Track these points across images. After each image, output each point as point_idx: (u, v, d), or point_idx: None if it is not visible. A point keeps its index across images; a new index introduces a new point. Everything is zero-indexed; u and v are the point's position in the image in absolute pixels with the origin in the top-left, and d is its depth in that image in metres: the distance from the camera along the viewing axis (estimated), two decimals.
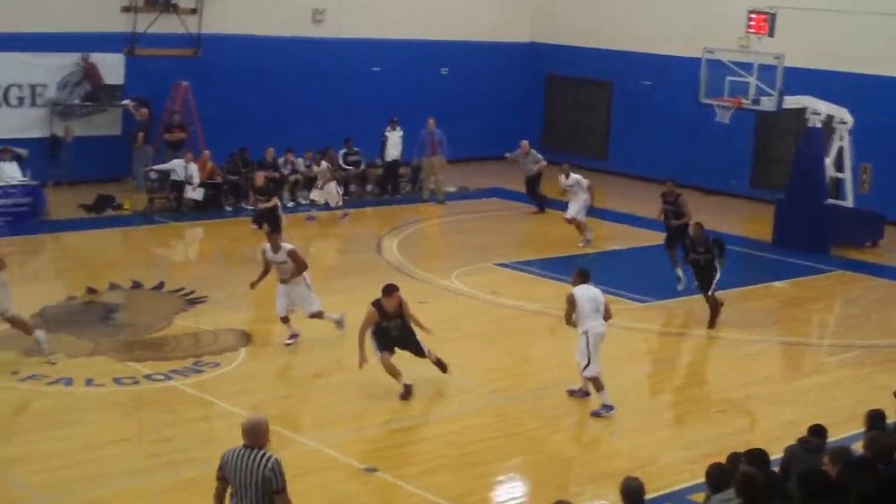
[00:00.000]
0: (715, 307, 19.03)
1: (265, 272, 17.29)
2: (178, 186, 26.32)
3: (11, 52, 26.86)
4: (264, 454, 8.75)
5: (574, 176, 24.90)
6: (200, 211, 26.25)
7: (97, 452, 13.02)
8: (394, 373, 14.99)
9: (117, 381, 15.32)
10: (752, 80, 25.37)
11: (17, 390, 14.88)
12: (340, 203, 26.97)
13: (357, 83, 32.28)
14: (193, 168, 26.22)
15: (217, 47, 29.56)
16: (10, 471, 12.44)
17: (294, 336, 17.15)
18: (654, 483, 11.21)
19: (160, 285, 20.04)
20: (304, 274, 17.04)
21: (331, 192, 26.83)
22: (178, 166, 26.46)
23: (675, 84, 31.35)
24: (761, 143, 31.16)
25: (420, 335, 15.32)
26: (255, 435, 8.83)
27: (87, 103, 28.18)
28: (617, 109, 34.64)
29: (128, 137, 28.49)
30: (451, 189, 30.22)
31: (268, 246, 17.06)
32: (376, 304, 14.91)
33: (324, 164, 27.24)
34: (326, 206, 26.75)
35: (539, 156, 28.29)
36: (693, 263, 19.28)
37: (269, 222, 21.98)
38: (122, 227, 25.14)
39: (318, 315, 17.22)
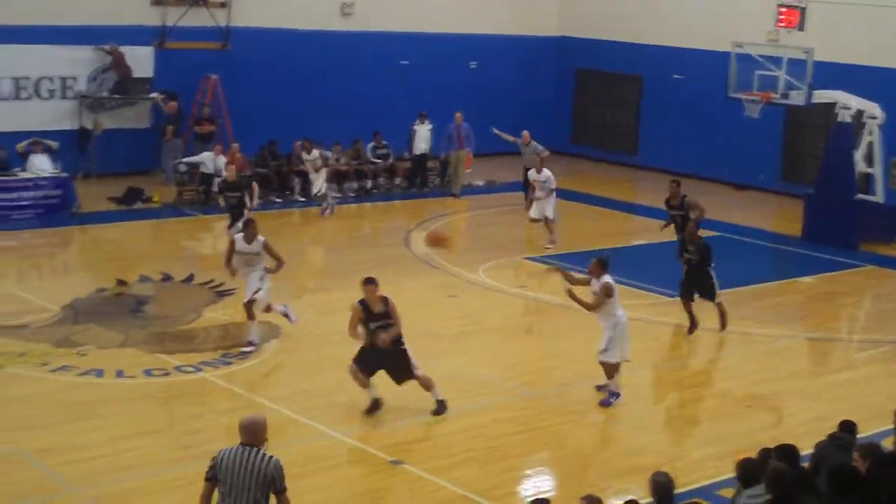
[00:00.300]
0: (722, 310, 18.37)
1: (230, 256, 16.89)
2: (207, 179, 26.43)
3: (42, 45, 27.04)
4: (264, 454, 8.75)
5: (546, 172, 24.18)
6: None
7: (127, 444, 13.10)
8: (363, 384, 14.28)
9: (147, 372, 15.43)
10: (782, 75, 25.32)
11: (49, 381, 14.99)
12: (325, 194, 26.38)
13: (385, 76, 32.31)
14: (222, 161, 26.31)
15: (246, 40, 29.66)
16: (41, 461, 12.52)
17: (252, 343, 16.62)
18: (682, 479, 11.18)
19: (190, 277, 20.14)
20: (267, 264, 16.64)
21: (317, 183, 26.48)
22: (207, 159, 26.59)
23: (704, 78, 31.25)
24: (790, 137, 31.02)
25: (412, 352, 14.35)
26: (254, 433, 8.80)
27: (117, 96, 28.31)
28: (646, 104, 34.55)
29: (157, 130, 28.63)
30: (479, 183, 30.25)
31: (240, 236, 16.67)
32: (362, 302, 14.13)
33: (315, 152, 26.67)
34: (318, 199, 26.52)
35: (540, 146, 27.85)
36: (686, 263, 18.47)
37: (235, 216, 21.04)
38: (151, 219, 25.26)
39: (251, 302, 16.57)
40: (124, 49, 28.04)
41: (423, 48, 32.96)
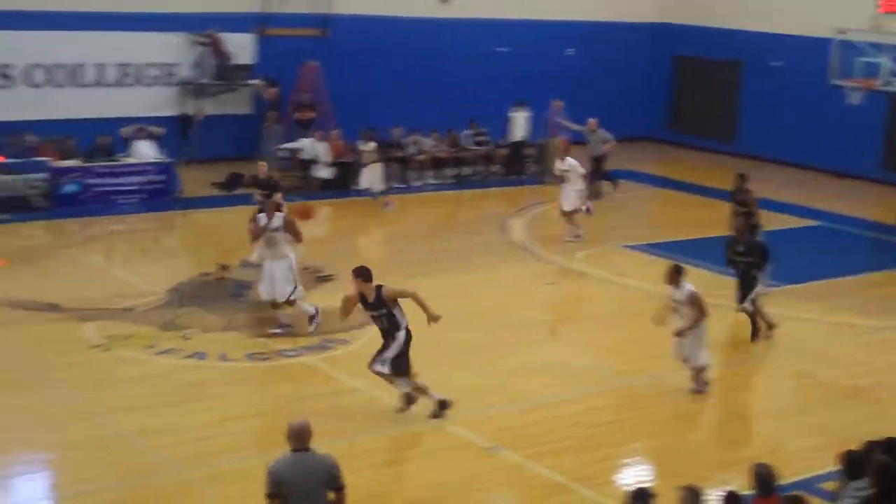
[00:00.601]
0: (754, 321, 17.14)
1: (256, 240, 17.06)
2: (307, 165, 26.73)
3: (146, 32, 27.55)
4: (319, 454, 8.86)
5: (570, 160, 23.14)
6: (329, 189, 26.64)
7: (229, 426, 13.35)
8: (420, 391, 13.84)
9: (249, 356, 15.70)
10: (885, 61, 24.88)
11: (154, 364, 15.31)
12: (384, 189, 25.98)
13: (482, 63, 32.38)
14: (322, 147, 26.59)
15: (346, 27, 29.92)
16: (146, 441, 12.80)
17: (285, 326, 16.71)
18: (783, 470, 11.11)
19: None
20: (292, 255, 16.59)
21: (375, 176, 25.98)
22: (307, 145, 26.90)
23: (805, 65, 30.86)
24: (893, 125, 30.49)
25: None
26: (304, 437, 8.86)
27: (218, 82, 28.73)
28: (746, 91, 34.17)
29: (258, 116, 29.01)
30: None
31: (262, 214, 16.74)
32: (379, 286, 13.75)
33: (371, 144, 26.36)
34: (368, 192, 26.12)
35: (608, 134, 27.46)
36: (732, 266, 17.24)
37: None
38: (251, 205, 25.48)
39: (290, 303, 16.68)
40: (225, 36, 28.45)
41: (520, 35, 32.96)
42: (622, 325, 18.21)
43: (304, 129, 28.30)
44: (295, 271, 16.62)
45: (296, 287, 16.57)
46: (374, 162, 25.97)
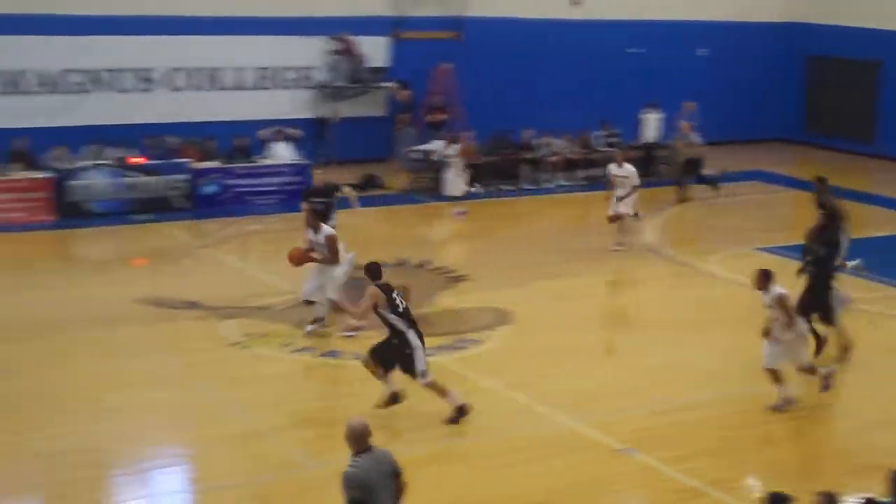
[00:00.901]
0: (817, 338, 15.93)
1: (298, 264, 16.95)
2: (438, 167, 26.94)
3: (283, 36, 28.08)
4: (378, 448, 8.90)
5: (628, 167, 22.27)
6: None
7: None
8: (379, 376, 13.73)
9: None
10: None
11: (290, 361, 15.61)
12: (463, 193, 25.84)
13: (614, 65, 32.26)
14: (453, 149, 26.77)
15: (479, 30, 30.08)
16: (283, 437, 13.09)
17: (318, 321, 16.71)
18: None
19: (424, 263, 20.60)
20: (344, 265, 16.62)
21: (455, 181, 25.83)
22: (439, 147, 27.11)
23: None
24: None
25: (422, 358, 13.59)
26: (367, 436, 8.86)
27: (353, 85, 29.13)
28: (885, 90, 33.42)
29: (391, 119, 29.35)
30: (711, 172, 29.84)
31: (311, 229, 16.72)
32: (380, 285, 13.56)
33: (455, 146, 26.12)
34: (449, 197, 25.96)
35: (699, 138, 27.12)
36: (803, 272, 16.22)
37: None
38: (385, 206, 25.90)
39: (310, 303, 16.67)
40: (359, 39, 28.84)
41: (651, 36, 32.75)
42: (755, 329, 17.96)
43: (436, 131, 28.53)
44: (328, 274, 16.52)
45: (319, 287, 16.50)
46: (456, 165, 25.93)
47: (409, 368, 13.45)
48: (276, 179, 25.37)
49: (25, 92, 26.58)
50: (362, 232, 23.89)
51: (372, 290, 13.44)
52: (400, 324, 13.40)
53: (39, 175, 24.09)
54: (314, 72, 28.95)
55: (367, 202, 25.42)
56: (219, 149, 25.92)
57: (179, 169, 24.84)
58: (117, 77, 27.31)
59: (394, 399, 13.61)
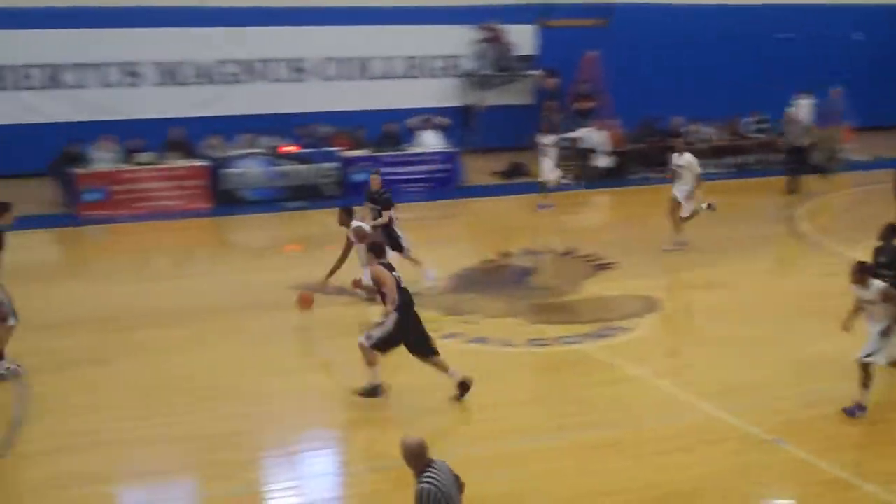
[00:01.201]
0: None
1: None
2: (586, 154, 26.93)
3: (431, 25, 28.36)
4: (437, 461, 8.72)
5: (688, 156, 21.10)
6: (608, 178, 26.76)
7: (511, 410, 13.59)
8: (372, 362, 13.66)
9: (530, 342, 15.96)
10: None
11: (440, 347, 15.72)
12: (558, 184, 25.26)
13: (764, 51, 31.80)
14: (601, 136, 26.73)
15: (627, 16, 29.95)
16: (433, 421, 13.13)
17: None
18: None
19: (570, 251, 20.64)
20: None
21: (550, 171, 25.13)
22: (586, 135, 27.09)
23: None
24: None
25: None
26: (425, 451, 8.66)
27: (500, 73, 29.26)
28: None
29: (538, 107, 29.38)
30: (864, 158, 29.28)
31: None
32: (384, 265, 13.71)
33: (551, 137, 25.45)
34: (546, 187, 25.32)
35: (809, 123, 26.44)
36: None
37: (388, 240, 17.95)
38: (531, 193, 25.97)
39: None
40: (507, 27, 28.95)
41: (803, 20, 32.19)
42: None
43: (583, 118, 28.50)
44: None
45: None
46: (552, 154, 25.35)
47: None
48: (423, 167, 25.71)
49: (182, 83, 27.38)
50: (509, 219, 24.12)
51: (380, 270, 13.61)
52: (395, 299, 13.44)
53: (196, 163, 24.80)
54: (462, 60, 29.15)
55: (512, 190, 25.65)
56: (368, 137, 26.32)
57: (330, 157, 25.33)
58: (270, 67, 27.94)
59: (463, 386, 13.73)
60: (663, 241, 21.27)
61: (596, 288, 18.59)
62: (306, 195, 24.76)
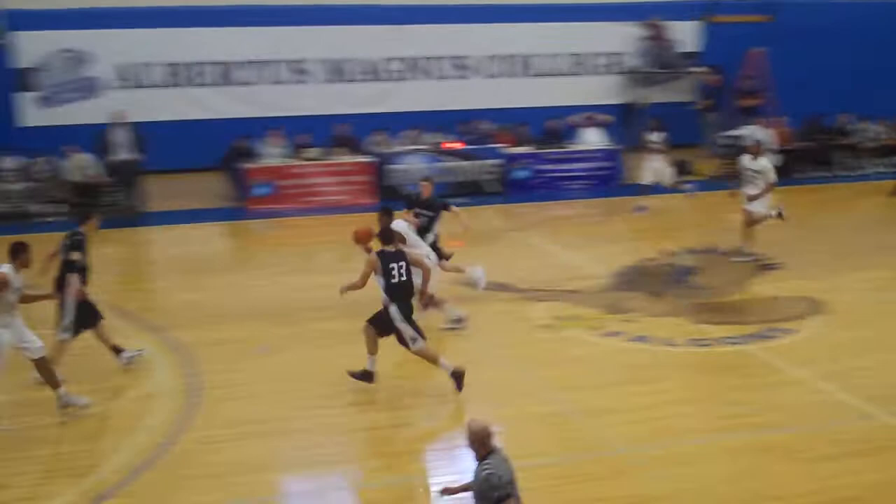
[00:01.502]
0: None
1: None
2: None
3: (594, 22, 28.43)
4: (499, 448, 8.78)
5: (763, 161, 20.05)
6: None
7: (673, 409, 13.54)
8: (371, 349, 13.96)
9: (691, 342, 15.87)
10: None
11: (599, 345, 15.83)
12: (672, 184, 24.73)
13: None
14: (767, 134, 26.37)
15: (793, 12, 29.43)
16: (590, 420, 13.23)
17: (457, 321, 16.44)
18: None
19: (735, 251, 20.43)
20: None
21: (662, 169, 24.76)
22: (750, 132, 26.73)
23: None
24: None
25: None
26: (490, 437, 8.75)
27: (663, 70, 29.09)
28: None
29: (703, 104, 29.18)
30: None
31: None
32: (380, 253, 13.89)
33: (658, 134, 24.96)
34: (657, 189, 24.88)
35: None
36: None
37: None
38: (694, 192, 25.77)
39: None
40: (671, 24, 28.77)
41: None
42: None
43: (748, 116, 28.14)
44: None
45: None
46: (659, 154, 24.88)
47: (401, 339, 13.76)
48: (586, 165, 25.73)
49: (349, 80, 27.90)
50: (671, 218, 23.97)
51: (371, 257, 13.83)
52: (387, 294, 13.67)
53: (361, 159, 25.27)
54: (625, 57, 29.07)
55: (675, 189, 25.46)
56: (530, 134, 26.47)
57: (493, 154, 25.53)
58: (434, 64, 28.28)
59: (365, 376, 13.89)
60: (731, 251, 20.54)
61: (760, 288, 18.40)
62: (468, 191, 25.02)
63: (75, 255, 14.02)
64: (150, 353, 15.30)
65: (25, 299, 12.94)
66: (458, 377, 13.84)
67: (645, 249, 20.68)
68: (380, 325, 13.94)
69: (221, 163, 25.58)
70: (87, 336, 14.59)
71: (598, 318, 16.83)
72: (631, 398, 13.89)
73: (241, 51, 27.71)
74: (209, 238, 23.16)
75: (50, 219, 23.78)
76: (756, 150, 20.24)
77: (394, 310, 13.77)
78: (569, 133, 26.64)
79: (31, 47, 26.49)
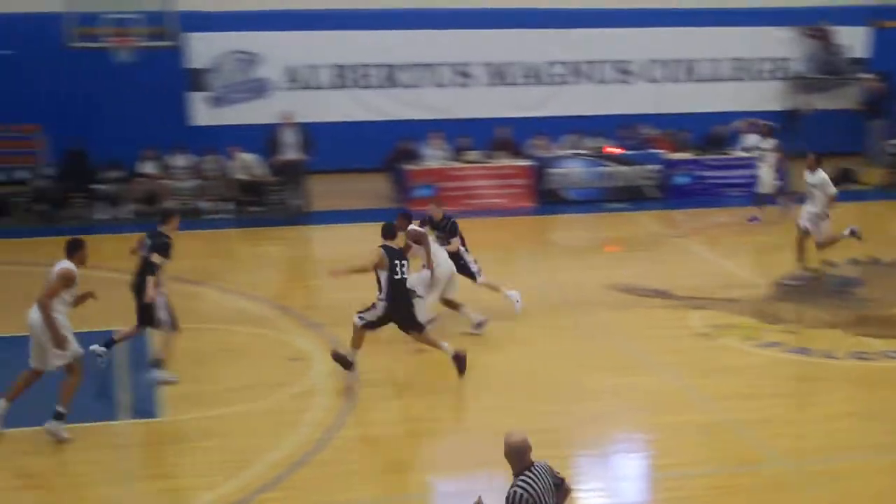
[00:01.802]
0: None
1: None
2: None
3: (758, 27, 28.31)
4: (539, 462, 8.44)
5: (822, 174, 19.14)
6: None
7: (830, 424, 13.32)
8: (357, 345, 14.38)
9: (852, 355, 15.58)
10: None
11: (757, 355, 15.65)
12: (778, 193, 23.69)
13: None
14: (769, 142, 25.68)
15: None
16: (747, 431, 13.07)
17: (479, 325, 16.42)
18: None
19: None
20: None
21: (764, 179, 23.63)
22: None
23: None
24: None
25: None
26: (528, 451, 8.36)
27: (829, 76, 28.60)
28: None
29: (868, 112, 28.56)
30: None
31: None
32: (385, 247, 14.23)
33: (771, 141, 23.85)
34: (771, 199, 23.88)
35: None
36: None
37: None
38: (859, 201, 25.30)
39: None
40: (838, 29, 28.26)
41: None
42: None
43: None
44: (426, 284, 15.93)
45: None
46: (770, 160, 23.88)
47: (408, 324, 14.37)
48: (747, 171, 25.41)
49: (511, 83, 28.12)
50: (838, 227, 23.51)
51: (377, 250, 14.07)
52: (387, 289, 14.02)
53: (521, 163, 25.46)
54: (790, 63, 28.66)
55: (841, 197, 24.94)
56: (691, 139, 26.31)
57: (653, 159, 25.47)
58: (596, 69, 28.33)
59: (458, 359, 14.34)
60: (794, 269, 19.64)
61: None
62: (627, 196, 25.02)
63: (157, 259, 13.96)
64: (311, 350, 15.72)
65: (77, 301, 12.69)
66: (459, 361, 14.35)
67: (806, 259, 20.34)
68: (405, 322, 14.38)
69: (384, 164, 26.04)
70: (249, 332, 15.01)
71: (756, 327, 16.69)
72: (789, 411, 13.77)
73: (405, 54, 28.15)
74: (370, 238, 23.54)
75: (218, 216, 24.57)
76: (812, 162, 19.24)
77: (383, 305, 14.11)
78: (731, 139, 26.38)
79: (203, 49, 27.33)
